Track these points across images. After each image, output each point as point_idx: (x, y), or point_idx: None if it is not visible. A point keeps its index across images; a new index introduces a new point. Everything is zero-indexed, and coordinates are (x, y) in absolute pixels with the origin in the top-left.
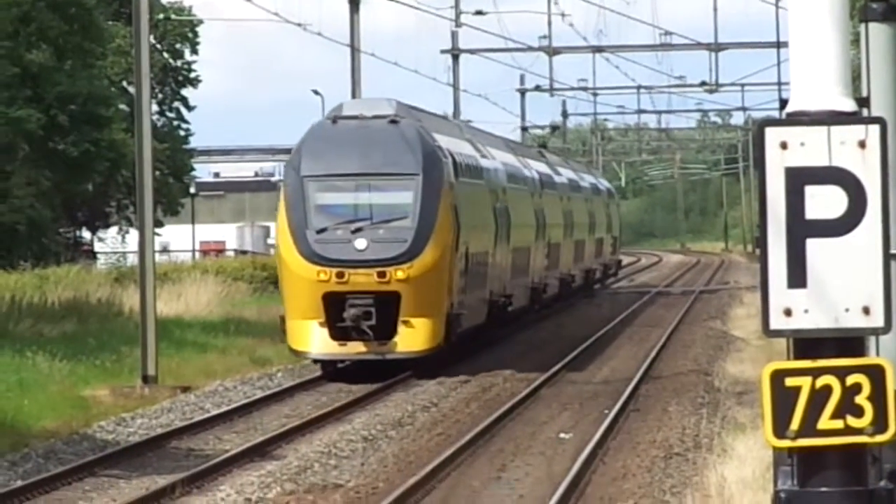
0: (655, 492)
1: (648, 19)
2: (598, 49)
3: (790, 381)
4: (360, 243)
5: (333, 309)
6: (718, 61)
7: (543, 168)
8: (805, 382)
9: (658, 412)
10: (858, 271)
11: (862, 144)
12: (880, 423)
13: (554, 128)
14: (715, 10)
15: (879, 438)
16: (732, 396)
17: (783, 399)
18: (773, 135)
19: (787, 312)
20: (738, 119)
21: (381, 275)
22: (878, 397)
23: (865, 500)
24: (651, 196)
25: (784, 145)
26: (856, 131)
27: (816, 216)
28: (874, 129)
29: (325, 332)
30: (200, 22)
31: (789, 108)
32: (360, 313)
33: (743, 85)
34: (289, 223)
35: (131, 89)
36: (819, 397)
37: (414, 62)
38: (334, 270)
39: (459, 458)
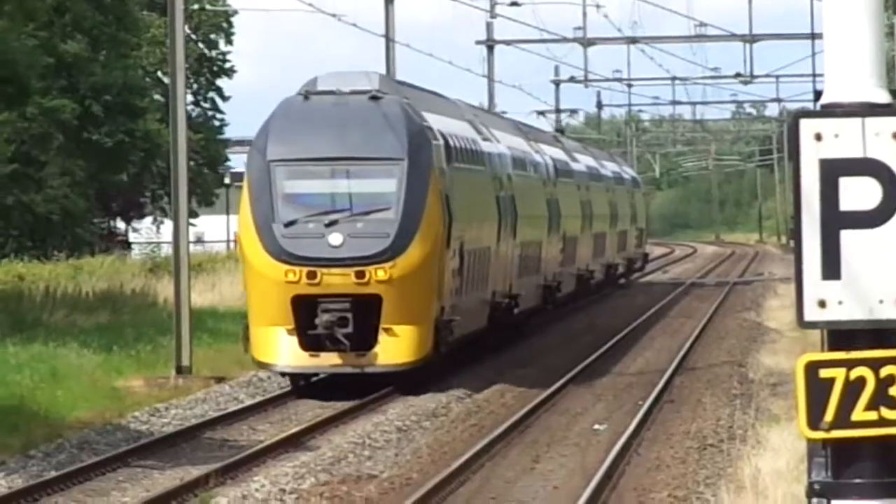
0: (689, 483)
1: (683, 10)
2: (632, 40)
3: (824, 373)
4: (336, 238)
5: (304, 314)
6: (753, 53)
7: (559, 154)
8: (839, 374)
9: (692, 403)
10: (893, 263)
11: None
12: None
13: (571, 111)
14: (750, 1)
15: None
16: (766, 388)
17: (817, 390)
18: (807, 126)
19: (822, 304)
20: (772, 110)
21: (360, 275)
22: None
23: None
24: (685, 187)
25: (818, 137)
26: (890, 123)
27: (850, 208)
28: None
29: (294, 341)
30: (235, 12)
31: (824, 100)
32: (335, 319)
33: (777, 76)
34: (253, 215)
35: (166, 79)
36: (853, 389)
37: (449, 53)
38: (305, 270)
39: (493, 448)
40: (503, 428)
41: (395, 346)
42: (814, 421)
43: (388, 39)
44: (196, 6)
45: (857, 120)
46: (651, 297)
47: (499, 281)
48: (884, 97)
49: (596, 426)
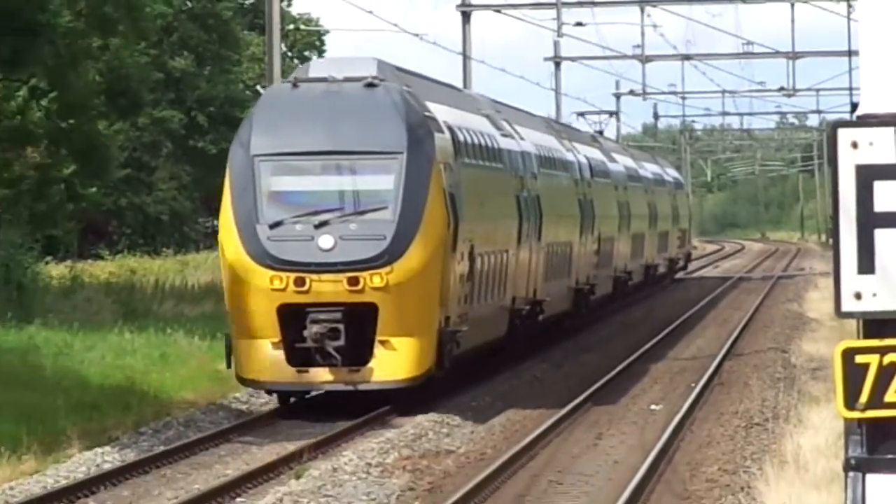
0: (737, 458)
1: (732, 30)
2: (686, 57)
3: (860, 358)
4: (326, 241)
5: (292, 326)
6: (795, 68)
7: (596, 155)
8: (873, 359)
9: (740, 386)
10: None
11: None
12: None
13: (611, 113)
14: (792, 21)
15: None
16: (807, 372)
17: (853, 374)
18: (844, 135)
19: (857, 296)
20: (813, 121)
21: (353, 281)
22: None
23: None
24: (734, 190)
25: (854, 145)
26: None
27: (884, 209)
28: None
29: (280, 355)
30: (327, 31)
31: (859, 111)
32: (326, 331)
33: (818, 90)
34: (235, 215)
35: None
36: (886, 373)
37: (520, 69)
38: (292, 276)
39: (560, 427)
40: (568, 408)
41: (393, 361)
42: (850, 402)
43: (465, 56)
44: (291, 26)
45: (890, 129)
46: (703, 289)
47: (520, 286)
48: None
49: (652, 406)
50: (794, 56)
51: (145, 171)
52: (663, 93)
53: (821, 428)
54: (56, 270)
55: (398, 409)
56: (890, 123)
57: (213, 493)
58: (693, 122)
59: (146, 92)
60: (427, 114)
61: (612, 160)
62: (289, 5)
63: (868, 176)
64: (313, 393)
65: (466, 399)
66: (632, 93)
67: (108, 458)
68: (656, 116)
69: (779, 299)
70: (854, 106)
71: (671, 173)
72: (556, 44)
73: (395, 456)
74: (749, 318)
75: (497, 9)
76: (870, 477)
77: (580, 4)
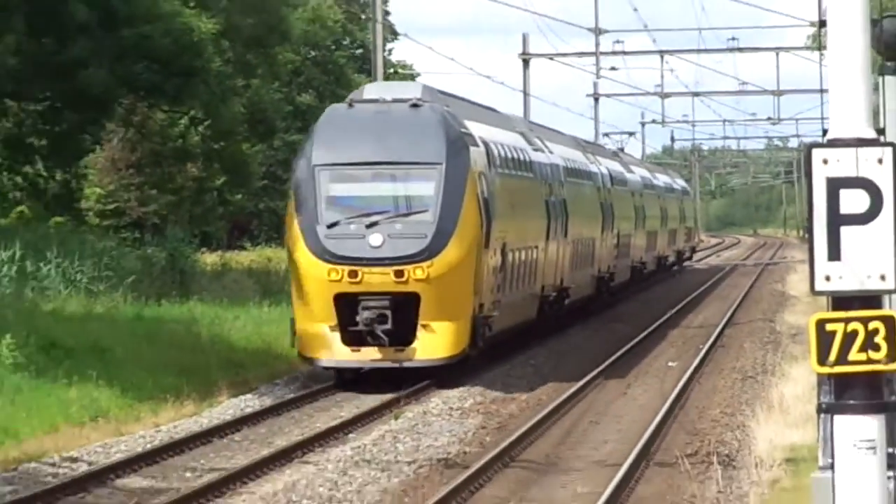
0: (735, 403)
1: (731, 73)
2: (695, 94)
3: (829, 326)
4: (376, 239)
5: (346, 311)
6: (780, 103)
7: (616, 167)
8: (839, 327)
9: (737, 347)
10: (877, 249)
11: (880, 161)
12: (892, 356)
13: (630, 133)
14: (777, 66)
15: (891, 367)
16: (789, 337)
17: (824, 339)
18: (817, 154)
19: (827, 278)
20: (793, 143)
21: (399, 274)
22: (891, 337)
23: (881, 409)
24: (732, 197)
25: (825, 161)
26: (875, 152)
27: (847, 211)
28: (888, 151)
29: (336, 336)
30: (419, 74)
31: (829, 136)
32: (375, 316)
33: (797, 119)
34: (298, 217)
35: None
36: (849, 337)
37: (567, 103)
38: (346, 269)
39: (596, 380)
40: (603, 366)
41: (433, 342)
42: (822, 360)
43: (525, 94)
44: (391, 70)
45: (852, 150)
46: (708, 273)
47: (549, 275)
48: (871, 134)
49: (670, 363)
50: (778, 93)
51: (279, 182)
52: (678, 122)
53: (799, 380)
54: (210, 259)
55: (469, 371)
56: (852, 145)
57: (332, 431)
58: (701, 144)
59: (279, 121)
60: (464, 130)
61: (630, 171)
62: (389, 54)
63: (835, 185)
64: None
65: (526, 357)
66: (653, 122)
67: (249, 403)
68: (672, 140)
69: (766, 281)
70: (825, 132)
71: (680, 183)
72: (595, 84)
73: (471, 401)
74: (744, 296)
75: (550, 56)
76: (836, 418)
77: (614, 53)
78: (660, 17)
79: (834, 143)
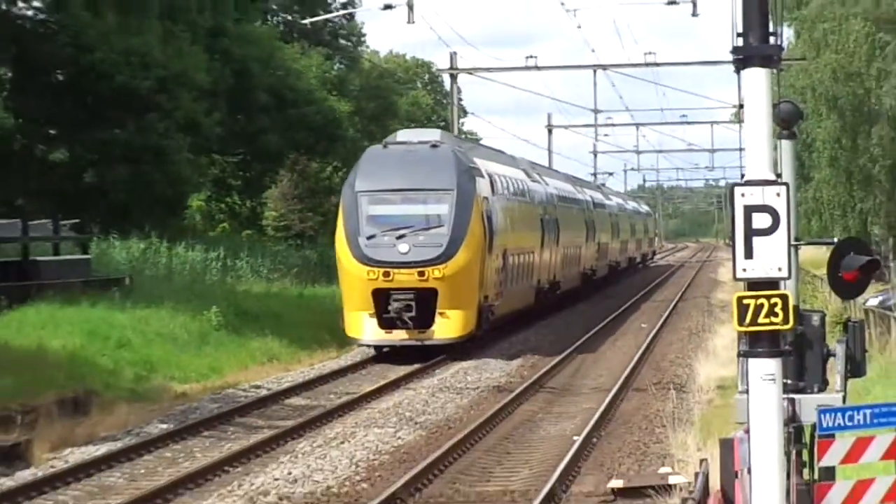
0: (685, 351)
1: (682, 137)
2: (659, 151)
3: (745, 301)
4: (404, 247)
5: (381, 302)
6: (714, 157)
7: (598, 195)
8: (752, 301)
9: (686, 315)
10: (776, 251)
11: (777, 195)
12: (786, 320)
13: (610, 173)
14: (712, 133)
15: (785, 327)
16: (719, 308)
17: (742, 308)
18: (738, 190)
19: (744, 270)
20: (722, 183)
21: (421, 274)
22: (785, 308)
23: (778, 354)
24: (683, 217)
25: (743, 195)
26: (775, 189)
27: (757, 227)
28: (783, 189)
29: (374, 321)
30: (481, 139)
31: (745, 179)
32: (403, 306)
33: (725, 167)
34: (345, 231)
35: None
36: (758, 308)
37: (577, 157)
38: (381, 270)
39: (591, 337)
40: (596, 328)
41: (448, 325)
42: (741, 322)
43: (549, 151)
44: (462, 136)
45: (760, 187)
46: (665, 268)
47: (544, 272)
48: (772, 177)
49: (642, 325)
50: (712, 150)
51: None
52: (648, 169)
53: (725, 336)
54: None
55: (495, 337)
56: (760, 185)
57: (404, 378)
58: (663, 183)
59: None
60: (472, 164)
61: (609, 199)
62: (462, 126)
63: (749, 210)
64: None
65: (546, 323)
66: (632, 169)
67: (369, 352)
68: (644, 181)
69: (704, 272)
70: (742, 176)
71: (645, 207)
72: (594, 144)
73: (513, 351)
74: (689, 282)
75: (565, 127)
76: (750, 360)
77: (606, 125)
78: (636, 101)
79: (748, 183)
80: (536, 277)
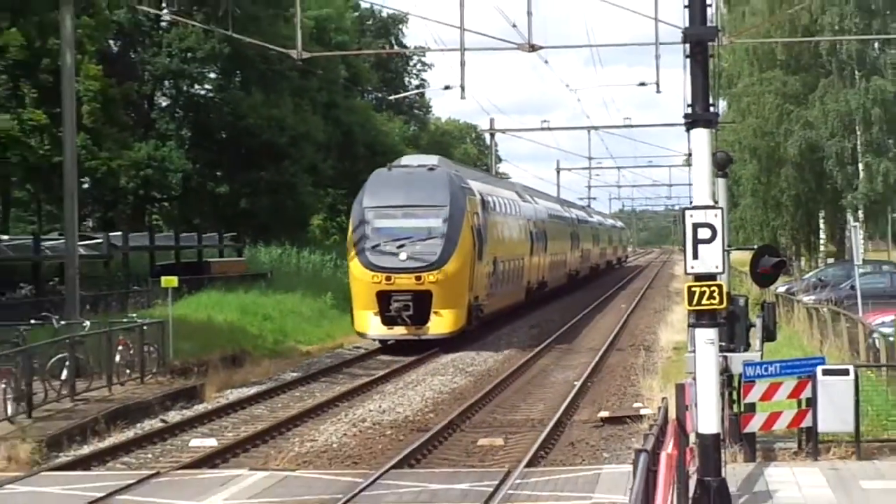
0: (651, 323)
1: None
2: (634, 186)
3: (693, 288)
4: (403, 255)
5: (383, 303)
6: (672, 189)
7: (582, 214)
8: (697, 288)
9: (652, 298)
10: (714, 253)
11: (716, 216)
12: (721, 302)
13: (593, 198)
14: (670, 175)
15: (720, 307)
16: (675, 294)
17: (691, 294)
18: (688, 213)
19: (692, 267)
20: (678, 208)
21: (418, 278)
22: (720, 294)
23: (715, 325)
24: (649, 231)
25: (691, 215)
26: (713, 212)
27: (701, 238)
28: (719, 211)
29: (378, 319)
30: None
31: (693, 204)
32: (402, 306)
33: (679, 197)
34: (354, 241)
35: None
36: (702, 293)
37: (578, 191)
38: (384, 275)
39: (585, 315)
40: (591, 307)
41: (441, 322)
42: (690, 303)
43: (558, 186)
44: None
45: (703, 210)
46: (635, 268)
47: (533, 274)
48: (711, 203)
49: (622, 306)
50: (670, 185)
51: None
52: (626, 198)
53: (679, 313)
54: None
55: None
56: (703, 208)
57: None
58: (636, 207)
59: None
60: (464, 185)
61: (591, 217)
62: (498, 169)
63: (696, 226)
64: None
65: (553, 307)
66: (615, 198)
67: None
68: (623, 206)
69: (664, 270)
70: (691, 202)
71: (620, 224)
72: (588, 181)
73: (532, 322)
74: (654, 277)
75: (569, 169)
76: (697, 330)
77: (597, 168)
78: (617, 151)
79: (695, 207)
80: (526, 279)
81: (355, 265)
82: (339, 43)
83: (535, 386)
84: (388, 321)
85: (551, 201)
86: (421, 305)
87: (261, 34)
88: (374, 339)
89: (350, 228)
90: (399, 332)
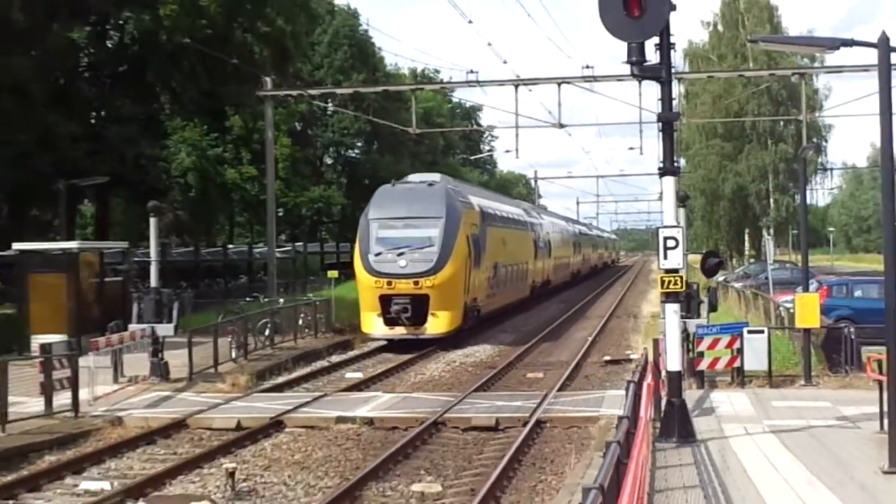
0: (637, 301)
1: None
2: (627, 213)
3: (664, 278)
4: (403, 262)
5: (385, 305)
6: (650, 216)
7: (584, 228)
8: (668, 277)
9: (637, 285)
10: (677, 256)
11: (678, 232)
12: (680, 286)
13: (595, 217)
14: (649, 207)
15: (679, 290)
16: (653, 282)
17: (662, 281)
18: (661, 230)
19: (664, 264)
20: (654, 226)
21: (416, 283)
22: (681, 282)
23: (677, 301)
24: (635, 241)
25: (663, 232)
26: (677, 229)
27: (669, 245)
28: (680, 229)
29: (381, 320)
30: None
31: (664, 224)
32: (402, 308)
33: (656, 221)
34: (360, 250)
35: None
36: (670, 281)
37: (588, 211)
38: (385, 280)
39: (583, 305)
40: (596, 292)
41: (437, 323)
42: (662, 287)
43: (577, 213)
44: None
45: (670, 228)
46: (624, 267)
47: (538, 276)
48: (675, 223)
49: (618, 290)
50: (649, 212)
51: None
52: (623, 221)
53: (655, 293)
54: None
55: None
56: (670, 227)
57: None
58: (626, 226)
59: None
60: (463, 199)
61: (591, 230)
62: (539, 202)
63: (666, 239)
64: (395, 339)
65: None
66: (614, 220)
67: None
68: (618, 225)
69: (645, 267)
70: (663, 223)
71: (613, 236)
72: (597, 212)
73: (557, 302)
74: (637, 273)
75: (586, 202)
76: (666, 304)
77: (602, 201)
78: (615, 192)
79: (666, 227)
80: (531, 279)
81: (360, 271)
82: (439, 122)
83: (562, 340)
84: (390, 322)
85: (558, 219)
86: (419, 308)
87: (390, 118)
88: (378, 339)
89: (358, 238)
90: (399, 331)
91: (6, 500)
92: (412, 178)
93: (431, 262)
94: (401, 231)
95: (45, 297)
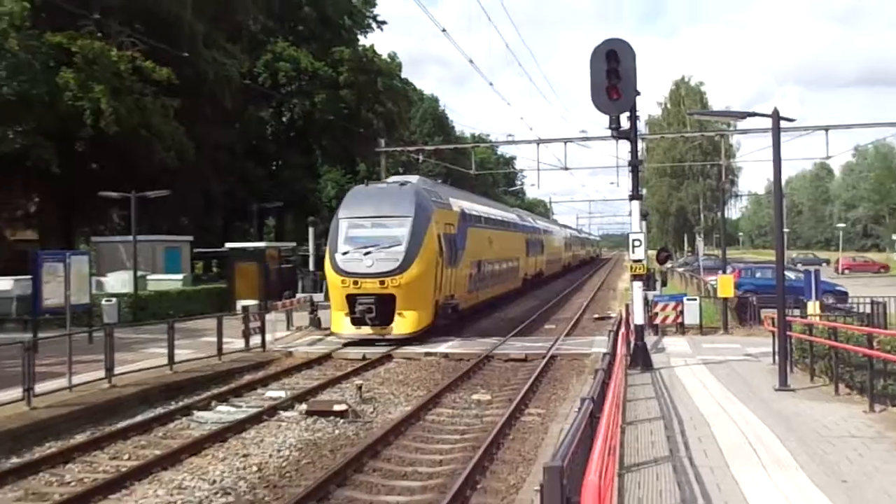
0: (615, 281)
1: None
2: (609, 224)
3: (633, 265)
4: (369, 261)
5: (352, 305)
6: (623, 226)
7: (574, 232)
8: (635, 265)
9: (614, 272)
10: (641, 251)
11: (642, 236)
12: (644, 271)
13: (583, 226)
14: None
15: (642, 272)
16: (626, 269)
17: (631, 267)
18: (631, 235)
19: (632, 256)
20: (627, 233)
21: (382, 282)
22: (644, 268)
23: (646, 282)
24: (613, 242)
25: (632, 236)
26: (640, 234)
27: (635, 245)
28: (642, 234)
29: (347, 320)
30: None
31: (632, 231)
32: (367, 308)
33: (628, 229)
34: (329, 248)
35: None
36: (636, 267)
37: (583, 223)
38: (352, 279)
39: (567, 292)
40: (574, 285)
41: (403, 323)
42: (631, 271)
43: (578, 229)
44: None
45: (636, 234)
46: (605, 260)
47: (530, 269)
48: (639, 230)
49: (604, 274)
50: (622, 224)
51: None
52: (605, 231)
53: (627, 275)
54: None
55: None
56: (636, 233)
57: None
58: (608, 232)
59: None
60: (436, 199)
61: (580, 233)
62: (552, 216)
63: (633, 240)
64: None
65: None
66: (600, 229)
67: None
68: (602, 231)
69: (620, 260)
70: (631, 230)
71: (597, 238)
72: (588, 222)
73: (552, 286)
74: (615, 264)
75: (582, 217)
76: (633, 282)
77: (595, 217)
78: (602, 210)
79: (633, 233)
80: (523, 272)
81: (328, 270)
82: (489, 167)
83: (566, 304)
84: (356, 322)
85: (551, 224)
86: (385, 308)
87: (458, 164)
88: (346, 339)
89: (330, 236)
90: (366, 331)
91: (223, 402)
92: (388, 180)
93: (398, 262)
94: (369, 230)
95: (245, 276)
